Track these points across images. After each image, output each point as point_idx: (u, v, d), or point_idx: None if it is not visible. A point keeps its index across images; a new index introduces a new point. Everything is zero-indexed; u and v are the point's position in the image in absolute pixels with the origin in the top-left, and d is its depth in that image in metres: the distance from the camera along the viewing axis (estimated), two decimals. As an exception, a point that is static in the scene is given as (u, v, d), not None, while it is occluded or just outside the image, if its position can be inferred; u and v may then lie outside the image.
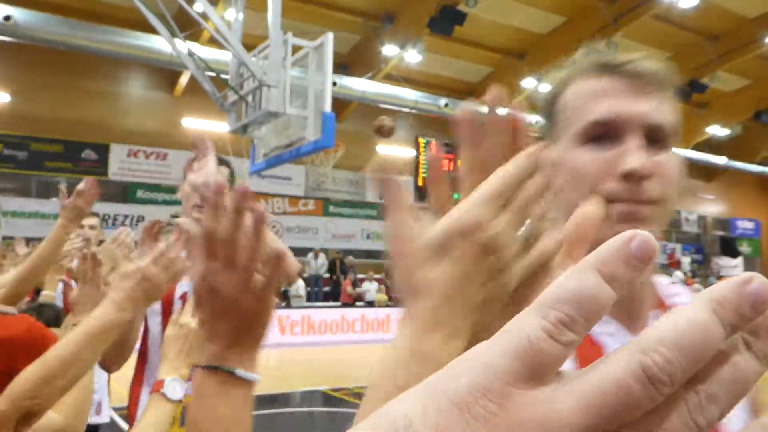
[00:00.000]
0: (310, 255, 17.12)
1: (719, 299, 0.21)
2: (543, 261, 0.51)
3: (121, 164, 15.96)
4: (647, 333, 0.21)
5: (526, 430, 0.21)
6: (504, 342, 0.22)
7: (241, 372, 0.74)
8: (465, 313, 0.48)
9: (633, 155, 0.82)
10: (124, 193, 15.95)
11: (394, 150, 19.90)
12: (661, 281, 1.01)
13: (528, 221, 0.51)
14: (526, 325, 0.22)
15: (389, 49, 16.22)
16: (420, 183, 20.01)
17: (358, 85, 15.42)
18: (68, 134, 15.24)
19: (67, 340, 1.33)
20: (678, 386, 0.21)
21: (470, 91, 20.04)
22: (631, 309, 0.90)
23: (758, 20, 17.73)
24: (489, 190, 0.49)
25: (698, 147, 23.48)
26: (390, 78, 17.20)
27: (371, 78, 16.16)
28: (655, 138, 0.86)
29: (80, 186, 2.25)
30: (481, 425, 0.21)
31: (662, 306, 0.96)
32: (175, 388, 1.25)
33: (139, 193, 16.07)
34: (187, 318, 1.30)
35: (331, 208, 19.08)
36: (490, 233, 0.48)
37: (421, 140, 20.14)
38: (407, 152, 20.04)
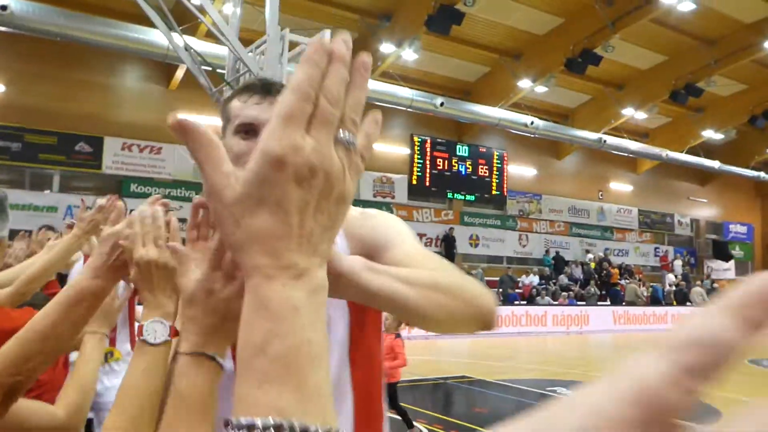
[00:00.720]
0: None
1: (741, 303, 0.20)
2: None
3: (114, 157, 15.90)
4: None
5: None
6: (620, 385, 0.20)
7: (219, 358, 0.89)
8: (309, 247, 0.49)
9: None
10: (118, 186, 15.88)
11: (389, 148, 19.92)
12: None
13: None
14: (650, 369, 0.20)
15: (386, 47, 16.21)
16: (414, 181, 20.04)
17: (355, 82, 15.37)
18: (62, 126, 15.17)
19: (43, 313, 1.29)
20: None
21: (466, 90, 20.05)
22: None
23: (755, 26, 17.79)
24: (287, 108, 0.48)
25: (692, 151, 23.57)
26: (386, 76, 17.19)
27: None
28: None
29: (101, 201, 2.27)
30: None
31: None
32: (156, 330, 1.14)
33: (133, 187, 16.02)
34: (144, 252, 1.20)
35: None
36: (302, 157, 0.47)
37: (416, 138, 20.16)
38: (402, 150, 20.06)
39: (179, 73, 15.73)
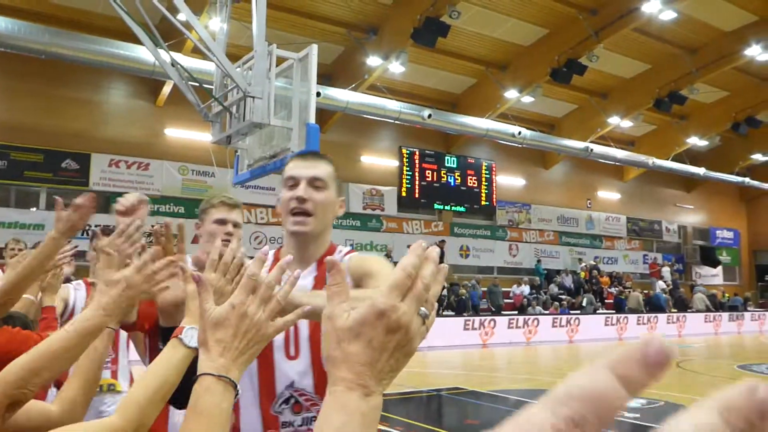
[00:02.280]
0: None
1: (728, 405, 0.21)
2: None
3: (102, 174, 15.82)
4: None
5: None
6: None
7: (239, 387, 1.01)
8: (378, 377, 0.65)
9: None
10: (106, 203, 15.80)
11: (378, 160, 19.95)
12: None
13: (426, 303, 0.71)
14: (535, 419, 0.21)
15: (373, 60, 16.29)
16: (403, 193, 20.08)
17: (343, 95, 15.45)
18: (49, 143, 15.09)
19: (58, 335, 1.44)
20: None
21: (453, 101, 20.16)
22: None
23: (735, 33, 18.04)
24: (395, 281, 0.67)
25: (678, 158, 23.78)
26: (374, 89, 17.25)
27: (355, 89, 16.20)
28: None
29: (78, 200, 2.22)
30: None
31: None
32: (193, 336, 1.32)
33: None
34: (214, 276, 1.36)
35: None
36: (396, 315, 0.66)
37: (405, 150, 20.21)
38: (391, 162, 20.10)
39: (166, 89, 15.71)
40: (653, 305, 22.06)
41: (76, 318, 1.50)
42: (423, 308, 0.70)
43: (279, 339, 1.83)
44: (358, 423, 0.63)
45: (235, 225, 2.65)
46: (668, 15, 16.07)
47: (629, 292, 22.15)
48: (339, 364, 0.66)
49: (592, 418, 0.20)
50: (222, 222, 2.62)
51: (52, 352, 1.41)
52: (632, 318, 20.28)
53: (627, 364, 0.22)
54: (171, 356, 1.32)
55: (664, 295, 22.94)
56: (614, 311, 20.93)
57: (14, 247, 4.68)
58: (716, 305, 23.93)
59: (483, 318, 17.36)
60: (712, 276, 27.99)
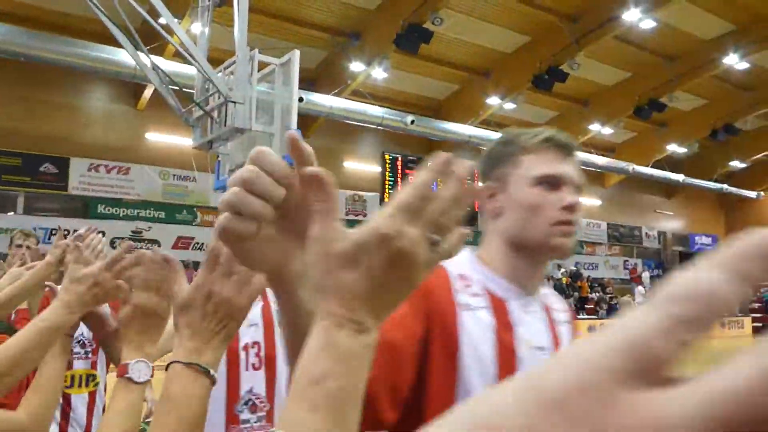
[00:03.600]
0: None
1: (740, 254, 0.20)
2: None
3: (81, 178, 15.63)
4: None
5: None
6: (613, 337, 0.20)
7: (212, 372, 0.93)
8: (375, 313, 0.56)
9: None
10: (85, 207, 15.62)
11: (360, 166, 19.94)
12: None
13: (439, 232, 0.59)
14: (642, 322, 0.20)
15: (356, 66, 16.30)
16: (386, 199, 20.06)
17: (325, 101, 15.44)
18: (27, 147, 14.88)
19: (17, 338, 1.39)
20: None
21: (436, 108, 20.22)
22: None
23: (713, 42, 18.31)
24: (399, 202, 0.57)
25: (658, 165, 24.04)
26: (357, 94, 17.26)
27: (338, 94, 16.20)
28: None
29: (81, 231, 2.26)
30: (582, 426, 0.19)
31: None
32: (141, 370, 1.23)
33: (100, 208, 15.75)
34: (142, 298, 1.27)
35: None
36: (401, 243, 0.55)
37: (387, 156, 20.23)
38: (373, 168, 20.10)
39: (147, 93, 15.58)
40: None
41: (36, 318, 1.46)
42: (435, 236, 0.59)
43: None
44: (347, 368, 0.54)
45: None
46: (648, 24, 16.28)
47: (618, 297, 22.32)
48: (329, 296, 0.56)
49: (705, 318, 0.19)
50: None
51: (11, 357, 1.36)
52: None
53: (744, 260, 0.20)
54: (125, 400, 1.21)
55: (639, 299, 23.16)
56: (595, 316, 21.05)
57: (22, 243, 3.87)
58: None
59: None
60: (691, 281, 28.26)
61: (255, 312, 2.22)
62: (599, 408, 0.19)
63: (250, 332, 2.20)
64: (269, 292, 1.78)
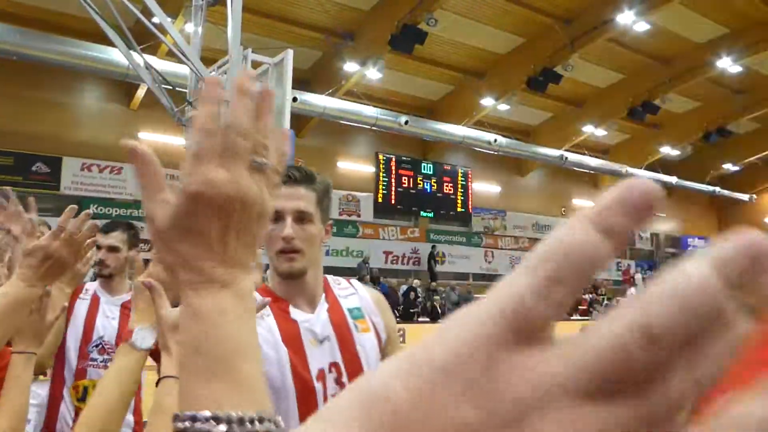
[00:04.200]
0: (269, 271, 16.92)
1: (722, 257, 0.19)
2: None
3: (74, 178, 15.55)
4: (647, 291, 0.20)
5: (515, 392, 0.19)
6: (490, 303, 0.21)
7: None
8: (234, 260, 0.55)
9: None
10: (77, 207, 15.53)
11: (354, 166, 19.92)
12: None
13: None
14: (513, 285, 0.20)
15: (350, 66, 16.27)
16: (380, 199, 20.05)
17: (319, 101, 15.41)
18: (19, 146, 14.79)
19: None
20: (680, 346, 0.19)
21: (430, 108, 20.22)
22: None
23: (707, 45, 18.38)
24: (196, 148, 0.56)
25: (651, 167, 24.12)
26: (351, 95, 17.23)
27: (332, 94, 16.17)
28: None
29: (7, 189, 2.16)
30: (466, 389, 0.20)
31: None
32: (145, 337, 1.24)
33: (92, 208, 15.62)
34: (156, 270, 1.28)
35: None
36: (217, 190, 0.54)
37: (381, 156, 20.21)
38: (367, 168, 20.08)
39: (140, 93, 15.51)
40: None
41: None
42: (257, 158, 0.56)
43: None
44: (218, 326, 0.52)
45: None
46: (642, 26, 16.33)
47: (616, 299, 22.37)
48: (177, 269, 0.54)
49: (572, 275, 0.20)
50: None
51: None
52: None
53: (608, 213, 0.20)
54: (125, 364, 1.22)
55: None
56: (588, 318, 21.09)
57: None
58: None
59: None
60: (683, 283, 28.37)
61: (320, 319, 1.74)
62: (484, 371, 0.20)
63: (321, 351, 1.68)
64: (333, 285, 1.87)
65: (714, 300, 0.19)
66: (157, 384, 0.96)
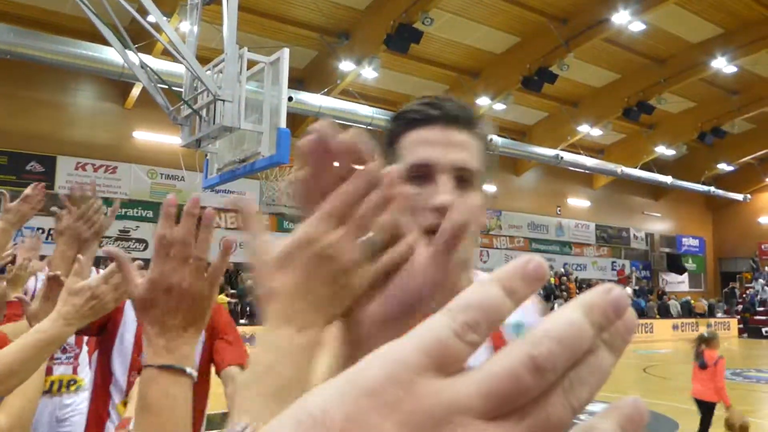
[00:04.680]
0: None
1: (590, 304, 0.26)
2: (396, 262, 0.59)
3: (68, 177, 15.50)
4: (535, 330, 0.25)
5: (430, 413, 0.24)
6: (415, 339, 0.26)
7: (189, 370, 0.88)
8: (313, 310, 0.58)
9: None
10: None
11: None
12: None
13: (372, 232, 0.59)
14: (437, 326, 0.25)
15: (346, 65, 16.27)
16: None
17: (315, 100, 15.40)
18: (13, 145, 14.75)
19: (15, 347, 1.39)
20: (559, 374, 0.25)
21: (426, 108, 20.22)
22: None
23: (702, 45, 18.44)
24: (325, 209, 0.59)
25: (646, 166, 24.18)
26: (346, 94, 17.23)
27: (327, 94, 16.16)
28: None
29: (27, 190, 2.19)
30: (390, 410, 0.24)
31: None
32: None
33: (88, 207, 15.63)
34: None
35: (286, 224, 18.93)
36: (322, 244, 0.57)
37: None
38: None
39: (135, 92, 15.48)
40: (639, 312, 22.39)
41: (33, 328, 1.44)
42: (366, 236, 0.59)
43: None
44: (287, 361, 0.57)
45: None
46: (637, 26, 16.37)
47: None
48: (266, 302, 0.60)
49: (485, 324, 0.25)
50: None
51: (8, 365, 1.34)
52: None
53: (511, 279, 0.26)
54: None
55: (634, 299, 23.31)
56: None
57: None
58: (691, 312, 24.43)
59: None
60: (678, 283, 28.48)
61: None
62: (405, 394, 0.24)
63: None
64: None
65: (584, 338, 0.25)
66: (139, 372, 0.92)
